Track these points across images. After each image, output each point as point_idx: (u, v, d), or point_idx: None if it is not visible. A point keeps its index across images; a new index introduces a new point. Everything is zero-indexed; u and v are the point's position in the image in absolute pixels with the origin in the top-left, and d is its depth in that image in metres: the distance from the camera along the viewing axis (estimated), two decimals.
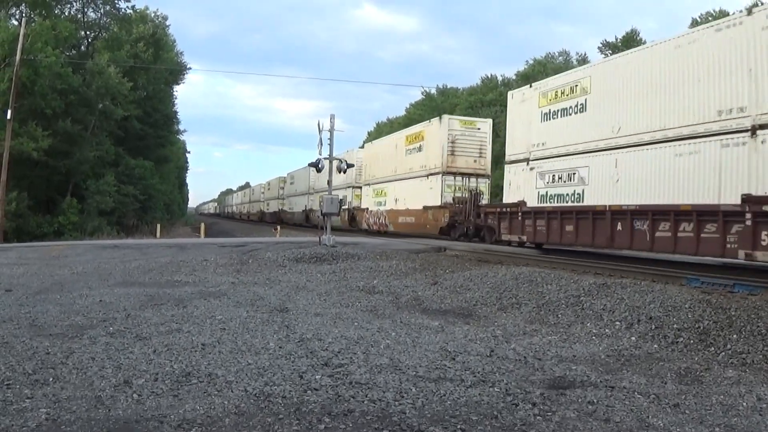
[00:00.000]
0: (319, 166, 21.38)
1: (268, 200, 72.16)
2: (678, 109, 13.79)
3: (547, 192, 18.25)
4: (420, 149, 29.09)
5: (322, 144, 21.03)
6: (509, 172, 20.50)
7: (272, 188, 68.19)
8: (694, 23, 51.11)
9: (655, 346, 8.05)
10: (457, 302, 11.40)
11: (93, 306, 9.99)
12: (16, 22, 34.77)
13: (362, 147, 43.42)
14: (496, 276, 13.00)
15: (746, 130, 12.05)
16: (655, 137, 14.33)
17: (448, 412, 5.14)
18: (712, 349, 7.73)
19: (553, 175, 18.04)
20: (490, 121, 28.58)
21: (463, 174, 26.57)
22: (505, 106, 22.10)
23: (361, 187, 37.06)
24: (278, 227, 43.34)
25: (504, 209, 20.48)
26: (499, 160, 28.84)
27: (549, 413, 5.20)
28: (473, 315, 10.34)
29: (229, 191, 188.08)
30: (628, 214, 14.65)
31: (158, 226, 37.99)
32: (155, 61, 46.03)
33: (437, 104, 74.45)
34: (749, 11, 12.56)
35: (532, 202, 18.80)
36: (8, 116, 28.26)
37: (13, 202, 30.22)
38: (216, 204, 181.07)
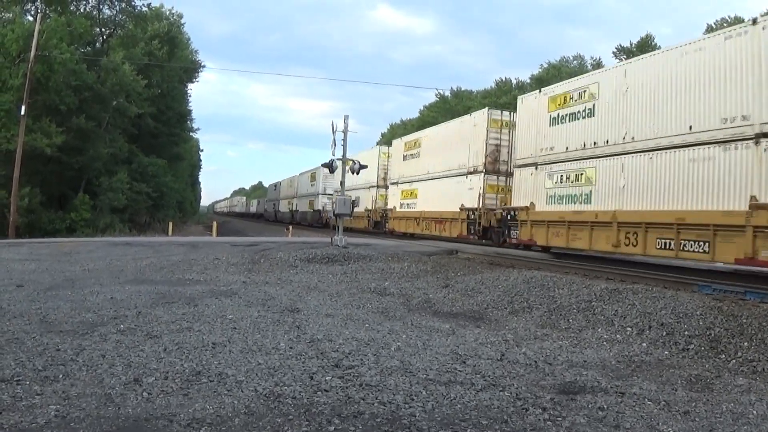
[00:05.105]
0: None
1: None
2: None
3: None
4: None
5: (335, 145, 21.08)
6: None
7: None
8: (709, 29, 50.91)
9: (666, 352, 8.01)
10: (468, 305, 11.38)
11: (104, 303, 10.02)
12: (31, 18, 34.97)
13: None
14: (507, 279, 12.96)
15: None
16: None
17: (458, 416, 5.13)
18: (723, 356, 7.70)
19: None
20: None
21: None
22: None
23: None
24: (290, 227, 43.20)
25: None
26: None
27: (559, 418, 5.18)
28: (484, 318, 10.32)
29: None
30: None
31: (170, 224, 38.16)
32: (170, 59, 46.21)
33: (451, 106, 74.44)
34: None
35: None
36: (22, 112, 28.42)
37: (25, 198, 30.28)
38: (243, 199, 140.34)
